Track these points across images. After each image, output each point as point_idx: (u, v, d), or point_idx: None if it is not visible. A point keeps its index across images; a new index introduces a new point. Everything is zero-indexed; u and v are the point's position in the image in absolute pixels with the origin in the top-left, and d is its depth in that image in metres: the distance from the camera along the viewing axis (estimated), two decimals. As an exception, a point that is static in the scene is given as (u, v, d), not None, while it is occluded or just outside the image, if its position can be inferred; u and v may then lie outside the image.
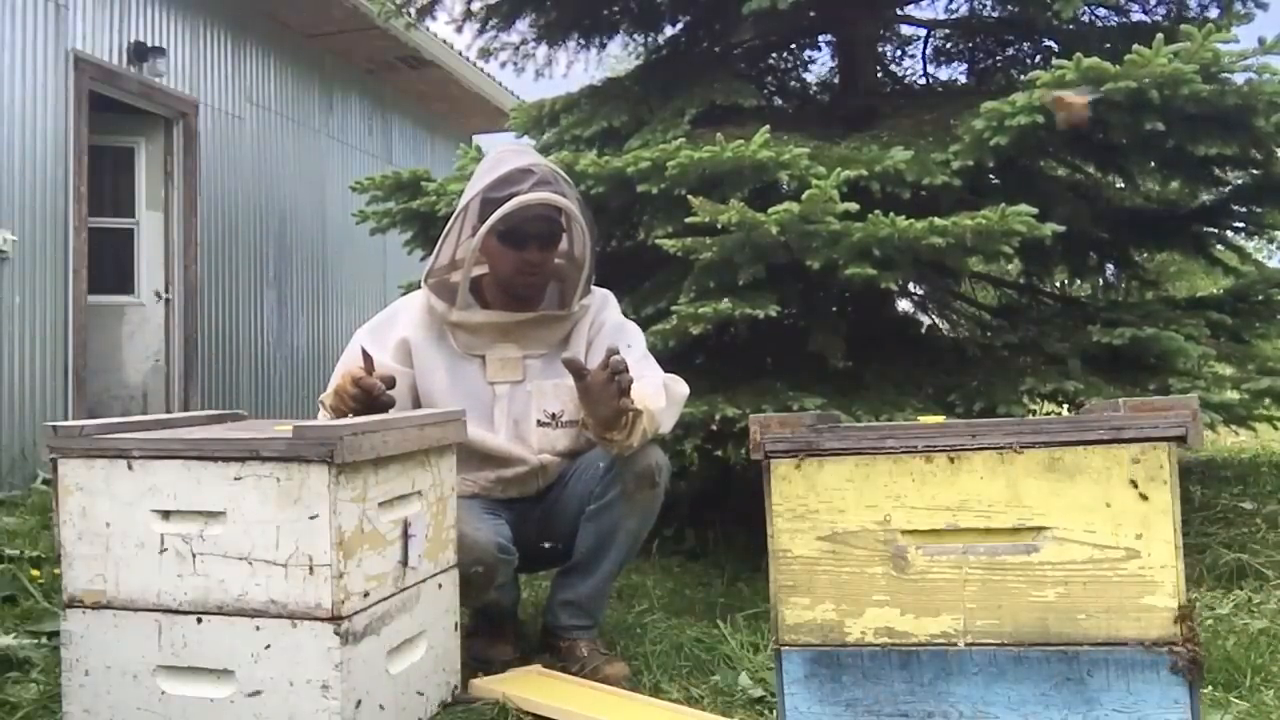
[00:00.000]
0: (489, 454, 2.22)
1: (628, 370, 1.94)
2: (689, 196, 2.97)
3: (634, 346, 2.28)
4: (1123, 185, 4.26)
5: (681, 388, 2.24)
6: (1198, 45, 2.82)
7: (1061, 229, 2.89)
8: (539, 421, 2.23)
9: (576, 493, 2.22)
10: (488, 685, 1.98)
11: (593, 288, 2.32)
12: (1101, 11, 4.20)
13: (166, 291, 6.48)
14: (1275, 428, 3.66)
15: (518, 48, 4.79)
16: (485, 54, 4.85)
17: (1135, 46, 2.83)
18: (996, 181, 3.45)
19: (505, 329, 2.23)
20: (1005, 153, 3.03)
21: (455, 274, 2.23)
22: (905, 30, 4.79)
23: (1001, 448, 1.49)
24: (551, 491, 2.28)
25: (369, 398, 1.97)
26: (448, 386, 2.20)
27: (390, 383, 2.02)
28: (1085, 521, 1.47)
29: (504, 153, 2.30)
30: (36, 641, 2.21)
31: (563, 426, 2.25)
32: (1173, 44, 2.85)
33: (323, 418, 2.08)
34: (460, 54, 8.44)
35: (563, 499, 2.25)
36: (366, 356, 2.01)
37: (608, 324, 2.31)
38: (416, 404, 2.22)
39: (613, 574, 2.27)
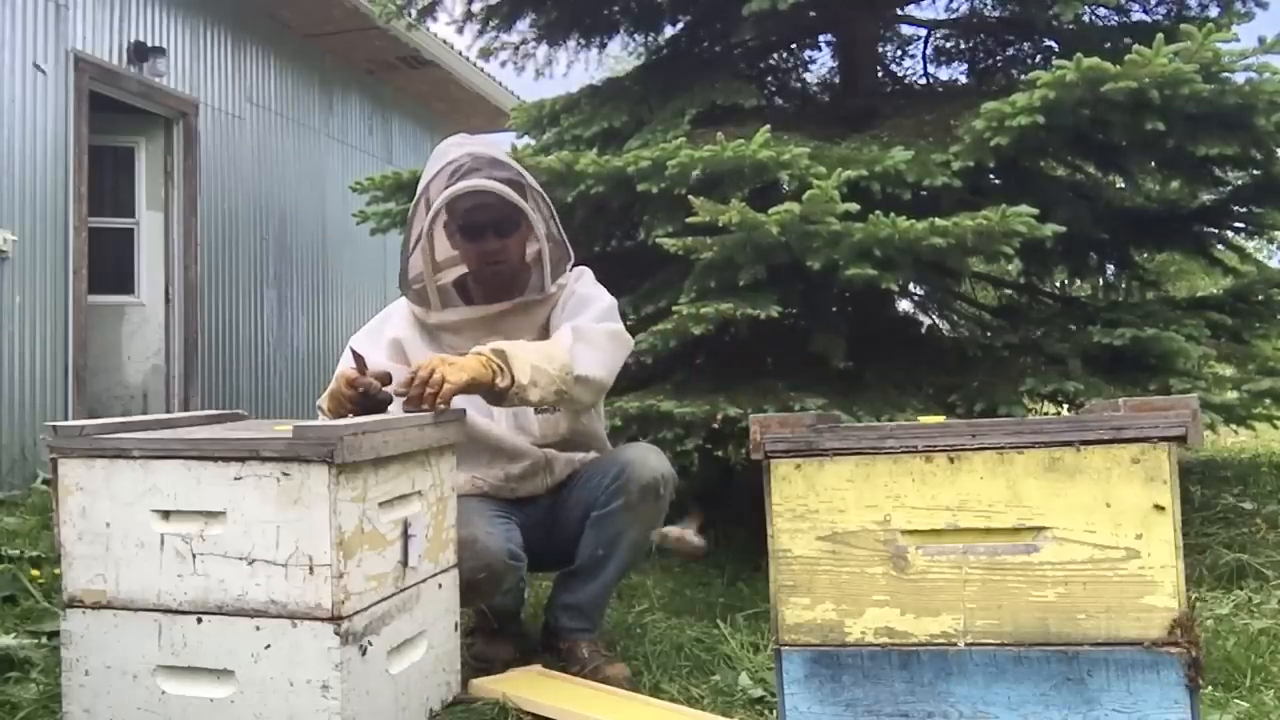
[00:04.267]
0: (495, 448, 2.21)
1: (416, 374, 1.91)
2: (690, 196, 2.97)
3: (589, 312, 2.19)
4: (1123, 185, 4.26)
5: (604, 326, 2.14)
6: (1198, 45, 2.82)
7: (1062, 229, 2.89)
8: (537, 409, 2.21)
9: (582, 499, 2.21)
10: (488, 685, 1.98)
11: (569, 267, 2.28)
12: (1102, 11, 4.19)
13: (167, 292, 6.48)
14: (1275, 426, 3.66)
15: (518, 48, 4.80)
16: (485, 54, 4.86)
17: (1136, 46, 2.83)
18: (997, 182, 3.45)
19: (488, 322, 2.22)
20: (1006, 153, 3.03)
21: (424, 279, 2.24)
22: (905, 30, 4.79)
23: (1002, 448, 1.49)
24: (559, 492, 2.27)
25: (364, 397, 1.98)
26: None
27: (385, 379, 2.02)
28: (1085, 521, 1.47)
29: (444, 147, 2.27)
30: (36, 641, 2.21)
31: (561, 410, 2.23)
32: (1173, 44, 2.85)
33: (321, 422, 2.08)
34: (460, 54, 8.44)
35: (569, 502, 2.24)
36: (358, 357, 2.01)
37: (575, 295, 2.25)
38: None
39: (614, 581, 2.27)
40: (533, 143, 4.23)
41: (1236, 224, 4.02)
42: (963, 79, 4.68)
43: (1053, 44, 4.15)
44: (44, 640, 2.22)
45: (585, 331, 2.11)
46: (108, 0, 5.90)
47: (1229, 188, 3.88)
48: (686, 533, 2.10)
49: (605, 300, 2.26)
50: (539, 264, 2.25)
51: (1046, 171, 3.84)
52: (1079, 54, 2.84)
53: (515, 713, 1.89)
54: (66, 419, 4.64)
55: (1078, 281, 4.75)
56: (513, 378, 1.94)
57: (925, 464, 1.51)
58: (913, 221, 2.77)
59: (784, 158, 2.96)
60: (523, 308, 2.23)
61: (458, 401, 2.14)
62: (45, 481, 4.72)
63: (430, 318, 2.23)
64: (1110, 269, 4.42)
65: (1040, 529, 1.48)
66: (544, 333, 2.24)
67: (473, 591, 2.06)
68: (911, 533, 1.51)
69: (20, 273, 5.23)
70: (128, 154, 6.44)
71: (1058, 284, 4.94)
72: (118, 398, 6.36)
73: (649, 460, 2.16)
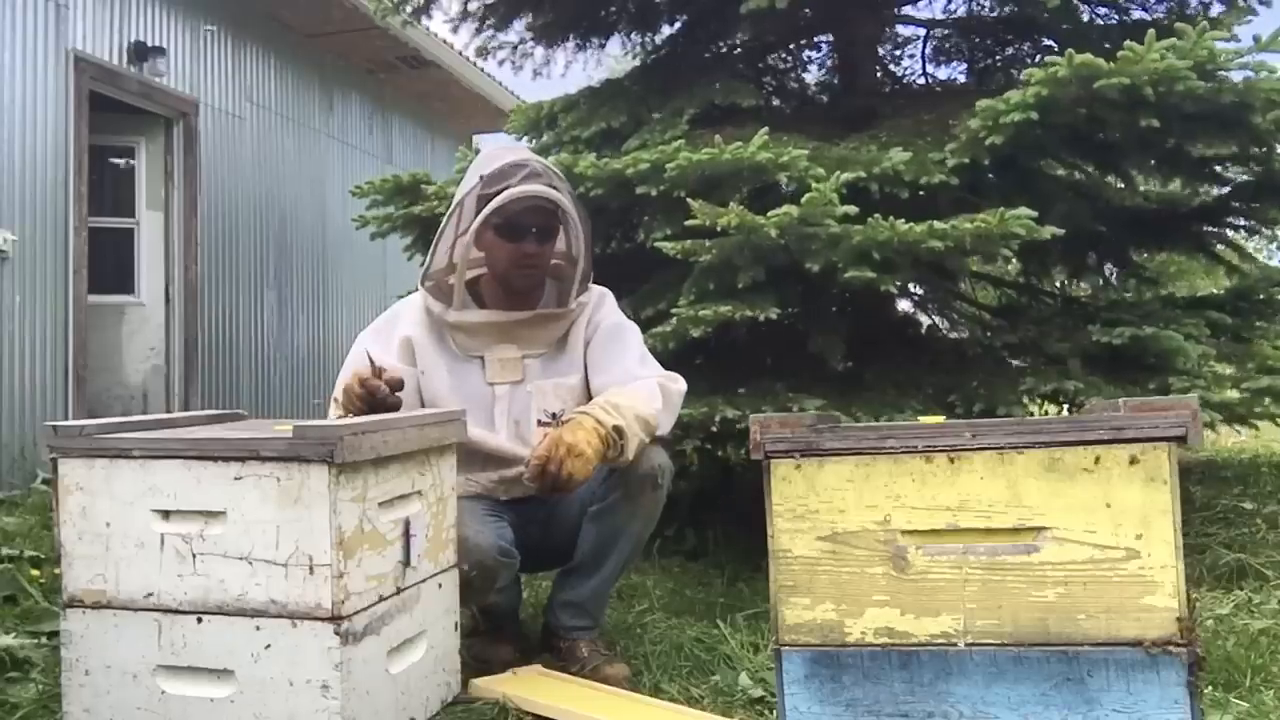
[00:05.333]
0: (491, 454, 2.22)
1: (545, 469, 1.94)
2: (688, 199, 2.97)
3: (631, 348, 2.28)
4: (1122, 185, 4.26)
5: (677, 385, 2.25)
6: (1192, 42, 2.81)
7: (1060, 232, 2.89)
8: (540, 421, 2.22)
9: (579, 494, 2.20)
10: (488, 685, 1.98)
11: (590, 285, 2.31)
12: (1101, 10, 4.20)
13: (167, 292, 6.48)
14: (1277, 424, 3.65)
15: (515, 47, 4.79)
16: (483, 53, 4.85)
17: (1128, 42, 2.82)
18: (994, 181, 3.44)
19: (504, 329, 2.23)
20: (1002, 151, 3.03)
21: (451, 275, 2.22)
22: (904, 30, 4.79)
23: (1002, 448, 1.49)
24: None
25: (373, 399, 1.98)
26: (449, 387, 2.21)
27: (398, 385, 2.03)
28: (1085, 521, 1.47)
29: (497, 150, 2.30)
30: (36, 641, 2.21)
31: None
32: (1166, 40, 2.85)
33: (333, 414, 2.08)
34: (461, 54, 8.44)
35: (565, 500, 2.23)
36: (374, 361, 2.03)
37: (603, 326, 2.30)
38: (422, 403, 2.22)
39: (614, 575, 2.27)
40: (532, 144, 4.23)
41: (1237, 222, 4.01)
42: (962, 79, 4.68)
43: (1051, 43, 4.15)
44: (44, 640, 2.22)
45: (669, 394, 2.20)
46: (108, 0, 5.90)
47: (1229, 186, 3.88)
48: None
49: (638, 333, 2.35)
50: (562, 279, 2.28)
51: (1044, 170, 3.84)
52: (1070, 50, 2.83)
53: (515, 713, 1.89)
54: (66, 419, 4.64)
55: (1078, 281, 4.75)
56: (622, 451, 2.02)
57: (925, 464, 1.51)
58: (911, 224, 2.76)
59: (783, 159, 2.95)
60: (541, 320, 2.25)
61: (458, 405, 2.15)
62: (45, 481, 4.72)
63: (449, 315, 2.22)
64: (1110, 268, 4.42)
65: (1040, 529, 1.48)
66: (558, 347, 2.26)
67: (468, 589, 2.06)
68: (911, 533, 1.51)
69: (20, 273, 5.23)
70: (128, 154, 6.43)
71: (1058, 284, 4.93)
72: (118, 398, 6.36)
73: (646, 451, 2.16)
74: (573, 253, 2.27)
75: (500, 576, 2.13)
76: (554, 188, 2.17)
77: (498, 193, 2.12)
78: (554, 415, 2.22)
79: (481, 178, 2.18)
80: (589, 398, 2.24)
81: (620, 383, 2.17)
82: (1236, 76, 2.93)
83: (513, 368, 2.23)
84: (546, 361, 2.25)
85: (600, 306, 2.32)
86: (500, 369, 2.23)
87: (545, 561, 2.33)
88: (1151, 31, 2.85)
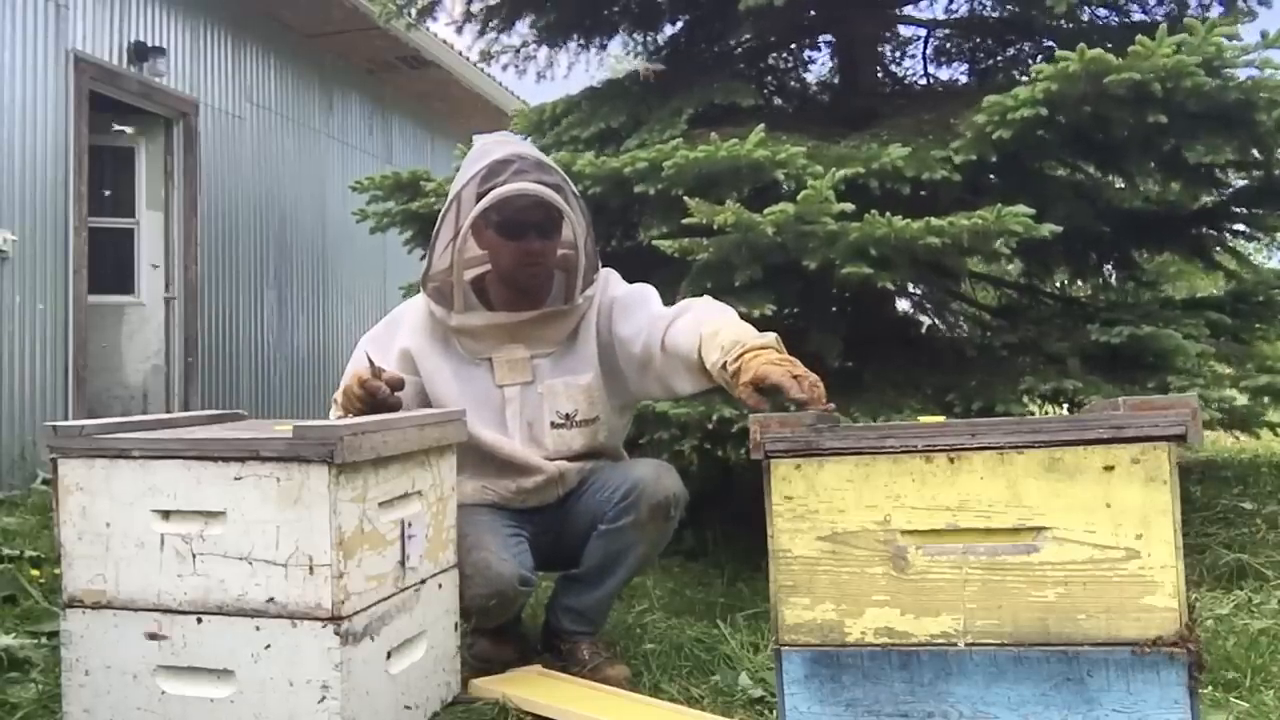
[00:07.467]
0: (506, 461, 2.19)
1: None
2: (685, 198, 2.97)
3: (651, 302, 2.21)
4: (1123, 186, 4.26)
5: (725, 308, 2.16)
6: (1200, 38, 2.81)
7: (1058, 229, 2.89)
8: (553, 423, 2.19)
9: (590, 508, 2.19)
10: (488, 685, 1.98)
11: (595, 275, 2.24)
12: (1102, 12, 4.20)
13: (167, 291, 6.48)
14: (1276, 434, 3.65)
15: (519, 50, 4.79)
16: (486, 56, 4.85)
17: (1139, 38, 2.81)
18: (996, 180, 3.44)
19: (510, 330, 2.18)
20: (1007, 147, 3.02)
21: (453, 275, 2.18)
22: (905, 30, 4.79)
23: (1002, 448, 1.49)
24: (569, 499, 2.24)
25: (373, 399, 1.98)
26: (456, 392, 2.17)
27: (398, 384, 2.02)
28: (1085, 521, 1.46)
29: (486, 144, 2.23)
30: (36, 641, 2.22)
31: (577, 426, 2.20)
32: (1179, 36, 2.85)
33: (333, 415, 2.08)
34: (461, 54, 8.44)
35: (576, 510, 2.22)
36: (372, 361, 2.02)
37: (619, 300, 2.22)
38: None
39: (618, 588, 2.26)
40: (534, 145, 4.23)
41: (1236, 226, 4.01)
42: (963, 79, 4.68)
43: (1053, 44, 4.15)
44: (44, 640, 2.22)
45: (728, 310, 2.12)
46: (108, 0, 5.90)
47: (1229, 190, 3.88)
48: None
49: (654, 292, 2.26)
50: (568, 274, 2.22)
51: (1045, 170, 3.84)
52: (1082, 44, 2.82)
53: (515, 713, 1.89)
54: (66, 419, 4.64)
55: (1078, 281, 4.75)
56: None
57: (925, 464, 1.51)
58: (908, 221, 2.76)
59: (780, 157, 2.95)
60: (548, 317, 2.19)
61: (457, 404, 2.14)
62: (45, 481, 4.72)
63: (452, 320, 2.18)
64: (1110, 269, 4.42)
65: (1040, 529, 1.48)
66: (567, 345, 2.21)
67: (483, 616, 2.06)
68: (911, 533, 1.51)
69: (20, 273, 5.23)
70: (128, 154, 6.43)
71: (1057, 284, 4.93)
72: (118, 398, 6.35)
73: (662, 480, 2.14)
74: (573, 245, 2.20)
75: (518, 603, 2.12)
76: (545, 182, 2.09)
77: (489, 191, 2.07)
78: (567, 416, 2.19)
79: (473, 175, 2.13)
80: (603, 397, 2.21)
81: (650, 326, 2.12)
82: (1241, 74, 2.93)
83: (521, 368, 2.18)
84: (556, 360, 2.20)
85: (606, 289, 2.25)
86: (509, 370, 2.18)
87: (552, 562, 2.31)
88: (1163, 27, 2.85)
